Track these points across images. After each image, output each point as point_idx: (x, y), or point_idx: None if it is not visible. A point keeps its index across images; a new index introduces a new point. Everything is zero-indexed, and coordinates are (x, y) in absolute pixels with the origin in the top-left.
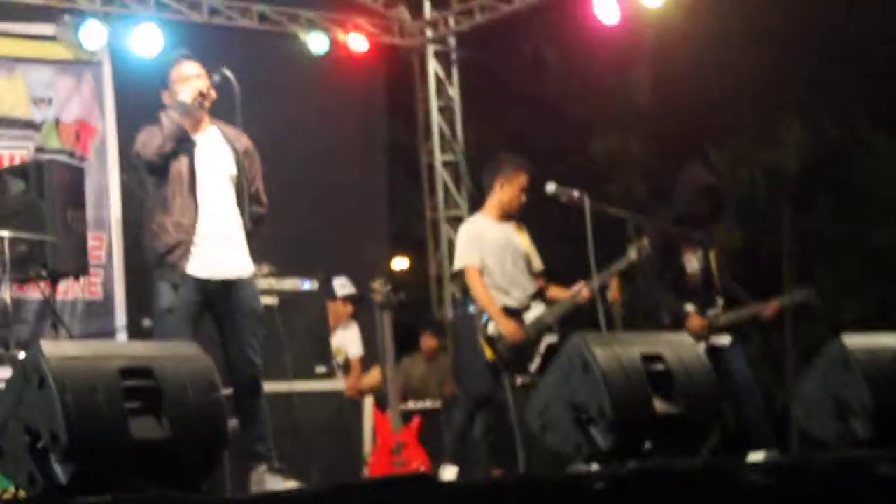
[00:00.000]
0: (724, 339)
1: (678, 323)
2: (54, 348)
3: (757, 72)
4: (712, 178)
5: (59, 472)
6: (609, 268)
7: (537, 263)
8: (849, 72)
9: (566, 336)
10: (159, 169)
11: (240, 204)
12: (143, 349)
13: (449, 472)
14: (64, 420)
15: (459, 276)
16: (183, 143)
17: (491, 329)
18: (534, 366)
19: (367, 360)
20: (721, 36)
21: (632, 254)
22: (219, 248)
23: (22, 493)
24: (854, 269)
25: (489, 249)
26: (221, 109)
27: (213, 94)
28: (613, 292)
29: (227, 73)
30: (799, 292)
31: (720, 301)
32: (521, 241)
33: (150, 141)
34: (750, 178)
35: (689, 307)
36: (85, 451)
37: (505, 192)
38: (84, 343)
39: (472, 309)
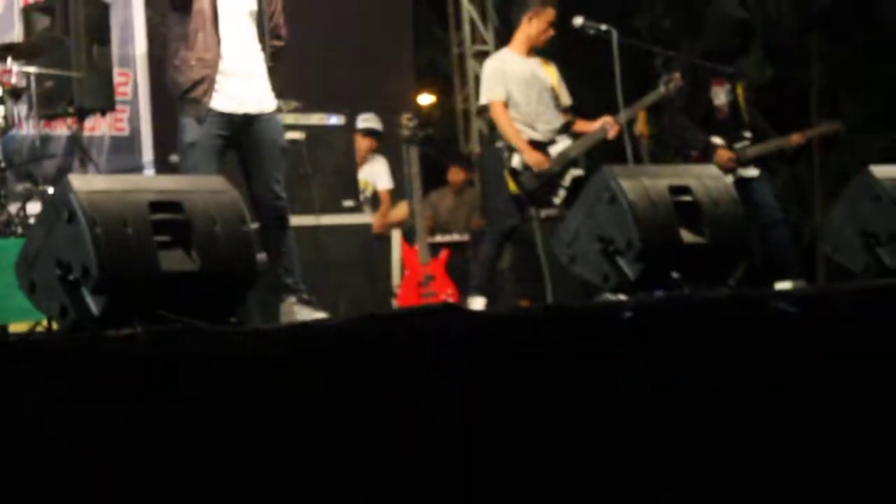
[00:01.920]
0: (752, 172)
1: (706, 156)
2: (83, 183)
3: None
4: (743, 12)
5: (92, 304)
6: (638, 102)
7: (564, 98)
8: None
9: (592, 169)
10: (183, 4)
11: (261, 39)
12: (171, 183)
13: (477, 303)
14: (94, 253)
15: (485, 111)
16: None
17: (515, 161)
18: (558, 199)
19: (395, 195)
20: None
21: (661, 88)
22: (241, 82)
23: (55, 326)
24: (882, 102)
25: (515, 84)
26: None
27: None
28: (640, 126)
29: None
30: (825, 124)
31: (747, 134)
32: (549, 75)
33: None
34: (777, 11)
35: (717, 140)
36: (116, 284)
37: (532, 26)
38: (112, 177)
39: (498, 144)
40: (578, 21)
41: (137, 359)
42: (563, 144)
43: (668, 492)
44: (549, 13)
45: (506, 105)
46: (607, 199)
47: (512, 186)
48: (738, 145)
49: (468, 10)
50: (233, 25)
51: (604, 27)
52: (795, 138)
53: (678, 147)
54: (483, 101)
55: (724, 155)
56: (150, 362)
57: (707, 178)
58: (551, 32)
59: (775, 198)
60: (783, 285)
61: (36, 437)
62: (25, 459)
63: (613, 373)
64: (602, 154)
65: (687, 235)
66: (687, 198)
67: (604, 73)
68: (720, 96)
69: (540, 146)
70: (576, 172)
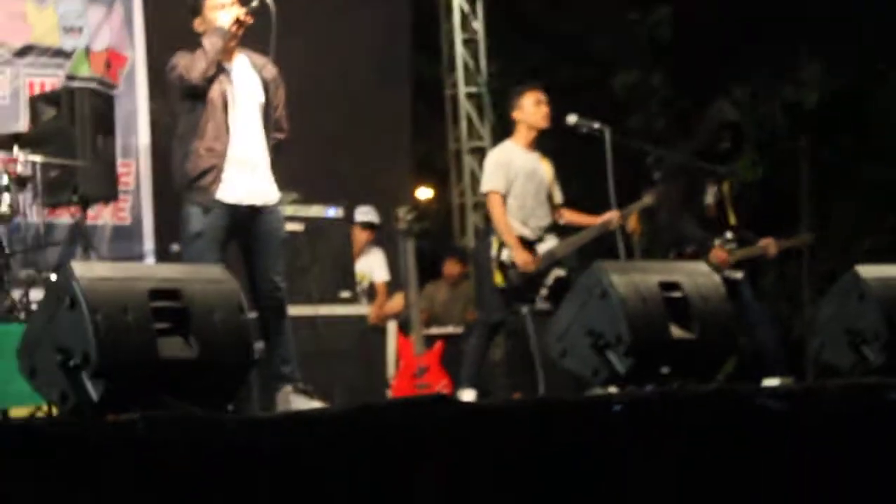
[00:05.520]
0: (738, 274)
1: (701, 253)
2: (85, 270)
3: (778, 7)
4: (735, 114)
5: (91, 389)
6: (627, 207)
7: (557, 196)
8: (870, 9)
9: (576, 268)
10: (200, 93)
11: (266, 131)
12: (171, 271)
13: (467, 395)
14: (95, 339)
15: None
16: (217, 70)
17: (504, 256)
18: (540, 297)
19: (392, 286)
20: None
21: (647, 198)
22: (247, 174)
23: (55, 411)
24: (870, 203)
25: (517, 176)
26: (250, 37)
27: (250, 19)
28: (632, 224)
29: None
30: (798, 236)
31: (729, 235)
32: (545, 171)
33: (193, 65)
34: (769, 113)
35: (716, 240)
36: (115, 370)
37: (525, 112)
38: (114, 265)
39: (491, 238)
40: (572, 119)
41: (135, 444)
42: (550, 243)
43: None
44: (535, 93)
45: (504, 197)
46: (598, 294)
47: (499, 279)
48: (726, 246)
49: (465, 106)
50: (241, 116)
51: (597, 125)
52: (772, 249)
53: (674, 242)
54: (483, 189)
55: (720, 254)
56: (148, 448)
57: (697, 275)
58: (545, 109)
59: (756, 298)
60: (771, 382)
61: None
62: None
63: (603, 465)
64: (595, 249)
65: (676, 331)
66: (677, 294)
67: (597, 171)
68: (709, 196)
69: (528, 244)
70: (559, 273)
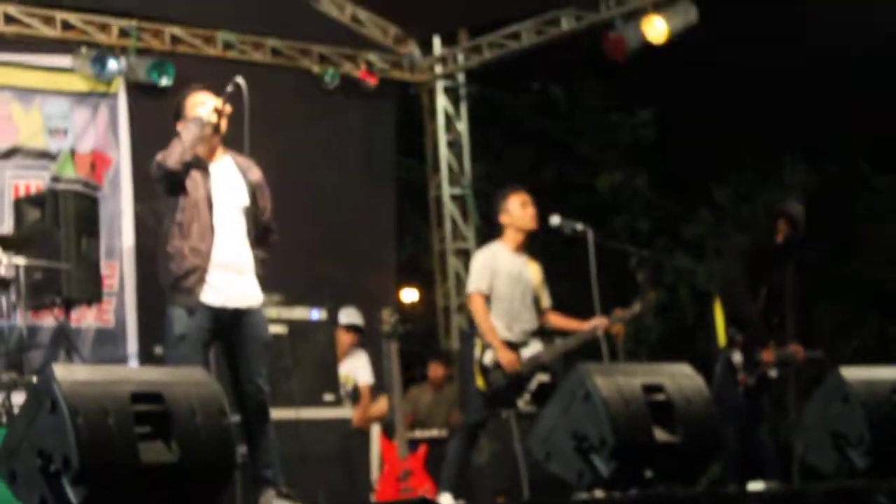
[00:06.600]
0: (775, 372)
1: (752, 347)
2: (67, 373)
3: (759, 109)
4: (800, 212)
5: (71, 494)
6: (615, 315)
7: (545, 300)
8: (851, 110)
9: (560, 375)
10: (178, 182)
11: (250, 234)
12: (153, 374)
13: (445, 499)
14: (75, 444)
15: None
16: (200, 169)
17: (487, 359)
18: (522, 402)
19: (376, 389)
20: (724, 73)
21: (636, 306)
22: (231, 276)
23: None
24: (854, 303)
25: (502, 278)
26: (233, 139)
27: (228, 108)
28: (617, 326)
29: (240, 80)
30: (817, 352)
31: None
32: (533, 275)
33: (170, 152)
34: (751, 213)
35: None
36: (96, 475)
37: (512, 215)
38: (96, 368)
39: (475, 340)
40: (555, 220)
41: None
42: (534, 348)
43: None
44: (519, 195)
45: (488, 299)
46: (582, 396)
47: (480, 382)
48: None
49: (449, 208)
50: (226, 219)
51: (580, 227)
52: (799, 356)
53: (742, 332)
54: (468, 290)
55: (771, 355)
56: None
57: (680, 377)
58: (531, 210)
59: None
60: (756, 486)
61: None
62: None
63: None
64: (578, 350)
65: (660, 434)
66: (660, 396)
67: (580, 272)
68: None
69: (512, 348)
70: (542, 378)
